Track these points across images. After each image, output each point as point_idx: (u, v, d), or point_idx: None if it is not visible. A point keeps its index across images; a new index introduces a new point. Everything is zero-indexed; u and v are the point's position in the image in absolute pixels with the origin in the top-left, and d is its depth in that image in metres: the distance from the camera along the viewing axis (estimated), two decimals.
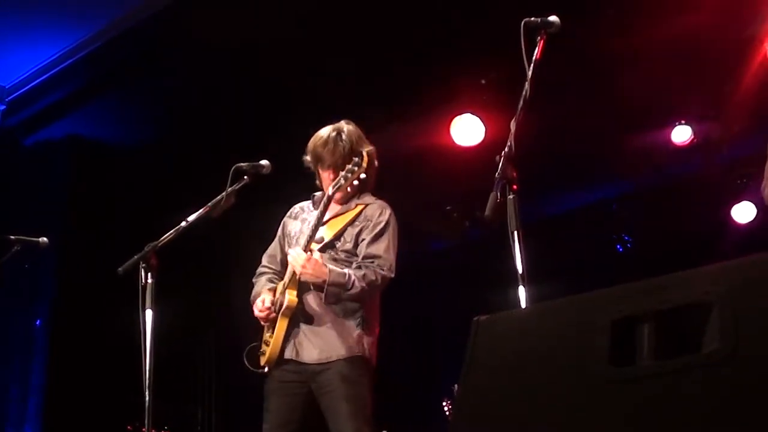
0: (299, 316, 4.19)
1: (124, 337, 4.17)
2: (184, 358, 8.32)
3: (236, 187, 4.21)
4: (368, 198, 4.38)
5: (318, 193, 4.44)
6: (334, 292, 4.06)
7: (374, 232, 4.25)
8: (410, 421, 8.67)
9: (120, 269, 3.98)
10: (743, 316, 1.83)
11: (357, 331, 4.18)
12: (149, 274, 3.90)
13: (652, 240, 8.93)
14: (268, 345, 4.23)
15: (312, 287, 4.17)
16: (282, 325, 4.17)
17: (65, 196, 7.90)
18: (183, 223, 4.10)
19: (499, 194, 3.11)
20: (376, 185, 4.43)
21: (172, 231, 4.06)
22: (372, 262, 4.18)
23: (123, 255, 4.01)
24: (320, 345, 4.14)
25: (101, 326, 7.27)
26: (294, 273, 4.14)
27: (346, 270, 4.12)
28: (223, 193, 4.15)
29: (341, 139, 4.29)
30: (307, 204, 4.50)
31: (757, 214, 8.47)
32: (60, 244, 7.00)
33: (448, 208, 9.09)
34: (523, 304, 3.05)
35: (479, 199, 3.20)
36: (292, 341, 4.19)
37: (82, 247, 7.55)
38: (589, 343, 2.01)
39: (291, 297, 4.14)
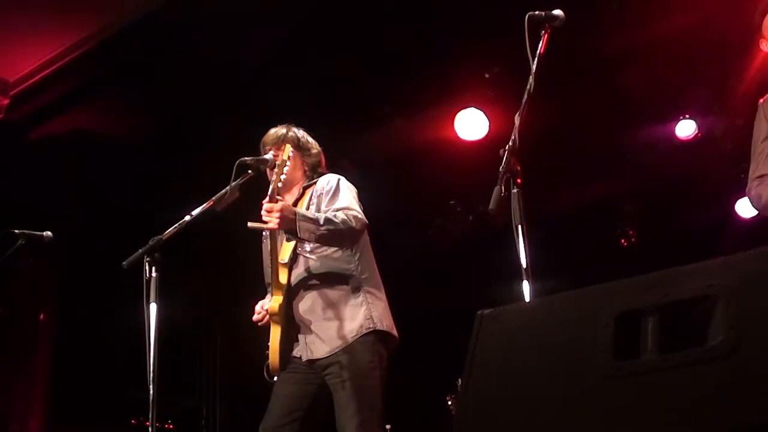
0: (301, 319, 4.18)
1: (129, 331, 4.17)
2: (189, 352, 8.33)
3: (240, 181, 4.21)
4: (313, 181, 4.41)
5: None
6: (307, 227, 3.98)
7: (328, 197, 4.25)
8: (414, 416, 8.68)
9: (124, 263, 3.98)
10: (747, 309, 1.83)
11: (363, 308, 4.15)
12: (154, 268, 3.91)
13: (655, 234, 8.91)
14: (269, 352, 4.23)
15: (301, 257, 4.20)
16: (275, 332, 4.15)
17: (69, 191, 7.90)
18: (187, 217, 4.10)
19: (503, 188, 3.10)
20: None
21: (176, 225, 4.06)
22: (339, 211, 4.12)
23: (127, 249, 4.01)
24: (331, 335, 4.12)
25: (105, 320, 7.28)
26: (278, 280, 4.14)
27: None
28: (227, 187, 4.15)
29: (286, 136, 4.39)
30: None
31: None
32: (63, 239, 6.99)
33: (451, 202, 9.09)
34: (527, 299, 3.05)
35: (483, 194, 3.19)
36: (303, 342, 4.17)
37: (85, 241, 7.55)
38: (593, 337, 2.01)
39: (274, 303, 4.14)
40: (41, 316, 7.68)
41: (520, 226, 3.11)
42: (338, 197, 4.23)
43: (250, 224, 4.09)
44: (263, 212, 3.98)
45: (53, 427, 7.29)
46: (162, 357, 3.83)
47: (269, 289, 4.45)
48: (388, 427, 7.08)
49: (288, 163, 4.08)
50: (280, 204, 3.97)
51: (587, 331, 2.04)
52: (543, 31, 3.42)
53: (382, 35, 6.65)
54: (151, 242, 3.94)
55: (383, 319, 4.19)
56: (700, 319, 1.91)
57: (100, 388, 7.30)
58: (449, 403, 7.15)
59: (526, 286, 3.08)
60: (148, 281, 3.89)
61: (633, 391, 1.91)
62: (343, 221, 4.06)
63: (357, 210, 4.17)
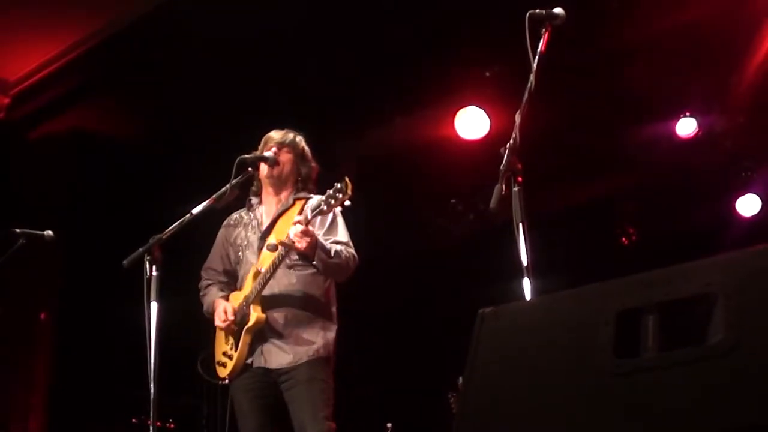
0: (265, 329, 4.26)
1: (129, 330, 4.17)
2: (189, 350, 8.31)
3: (240, 179, 4.22)
4: (304, 194, 4.44)
5: (254, 199, 4.52)
6: (321, 257, 4.14)
7: (326, 225, 4.34)
8: (415, 414, 8.68)
9: (125, 262, 3.99)
10: (747, 307, 1.83)
11: (323, 333, 4.30)
12: (154, 267, 3.91)
13: (656, 232, 8.90)
14: (230, 358, 4.30)
15: (293, 278, 4.28)
16: (246, 340, 4.25)
17: (69, 190, 7.89)
18: (188, 216, 4.10)
19: (504, 186, 3.11)
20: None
21: (176, 223, 4.07)
22: (341, 246, 4.27)
23: (127, 248, 4.01)
24: (290, 350, 4.23)
25: (106, 319, 7.26)
26: (259, 291, 4.21)
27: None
28: (228, 185, 4.16)
29: (294, 141, 4.45)
30: (243, 211, 4.58)
31: (761, 207, 8.44)
32: (64, 238, 6.98)
33: (452, 200, 9.08)
34: (527, 297, 3.05)
35: (484, 192, 3.20)
36: (259, 351, 4.27)
37: (86, 240, 7.54)
38: (593, 335, 2.01)
39: (259, 314, 4.22)
40: (41, 316, 7.67)
41: (521, 225, 3.11)
42: (337, 230, 4.36)
43: (279, 241, 4.16)
44: (298, 232, 4.03)
45: (54, 426, 7.28)
46: (162, 355, 3.83)
47: (208, 275, 4.57)
48: (389, 425, 7.08)
49: (349, 197, 4.09)
50: (313, 232, 4.08)
51: (588, 330, 2.04)
52: (544, 30, 3.42)
53: (382, 34, 6.65)
54: (151, 240, 3.94)
55: (333, 348, 4.35)
56: (700, 317, 1.91)
57: (101, 387, 7.29)
58: (451, 400, 7.14)
59: (527, 284, 3.08)
60: (149, 280, 3.90)
61: (633, 389, 1.90)
62: (347, 259, 4.25)
63: (353, 250, 4.33)
